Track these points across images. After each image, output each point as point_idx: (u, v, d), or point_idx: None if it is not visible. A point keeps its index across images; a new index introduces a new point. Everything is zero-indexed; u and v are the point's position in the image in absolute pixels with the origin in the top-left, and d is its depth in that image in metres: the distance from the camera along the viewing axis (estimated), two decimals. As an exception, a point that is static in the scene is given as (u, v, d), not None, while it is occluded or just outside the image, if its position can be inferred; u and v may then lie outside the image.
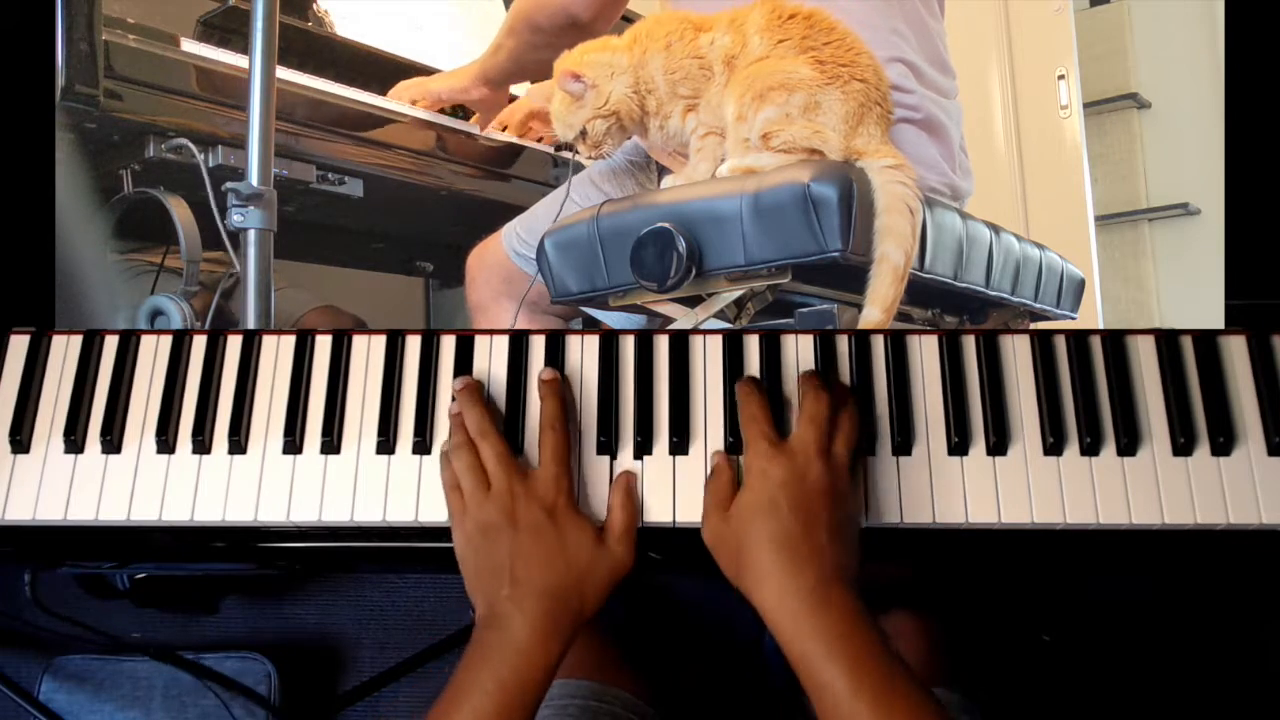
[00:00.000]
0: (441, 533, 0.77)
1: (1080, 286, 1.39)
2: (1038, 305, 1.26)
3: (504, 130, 1.43)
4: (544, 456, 0.76)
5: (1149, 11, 2.64)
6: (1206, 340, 0.82)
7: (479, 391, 0.80)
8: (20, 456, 0.81)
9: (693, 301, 1.03)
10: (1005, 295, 1.17)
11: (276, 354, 0.84)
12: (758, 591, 0.69)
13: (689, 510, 0.78)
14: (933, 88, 1.15)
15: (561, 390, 0.80)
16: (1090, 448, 0.79)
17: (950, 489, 0.79)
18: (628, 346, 0.83)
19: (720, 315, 1.02)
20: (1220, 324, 0.84)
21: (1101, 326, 1.67)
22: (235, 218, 0.97)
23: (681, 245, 0.96)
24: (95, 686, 1.27)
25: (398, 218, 1.47)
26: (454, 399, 0.80)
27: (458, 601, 1.37)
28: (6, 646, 1.31)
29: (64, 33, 0.95)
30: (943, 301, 1.19)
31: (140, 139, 1.05)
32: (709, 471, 0.78)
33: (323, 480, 0.80)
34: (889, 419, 0.80)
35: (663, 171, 1.17)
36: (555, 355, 0.83)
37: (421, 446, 0.80)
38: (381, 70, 1.38)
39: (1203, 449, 0.79)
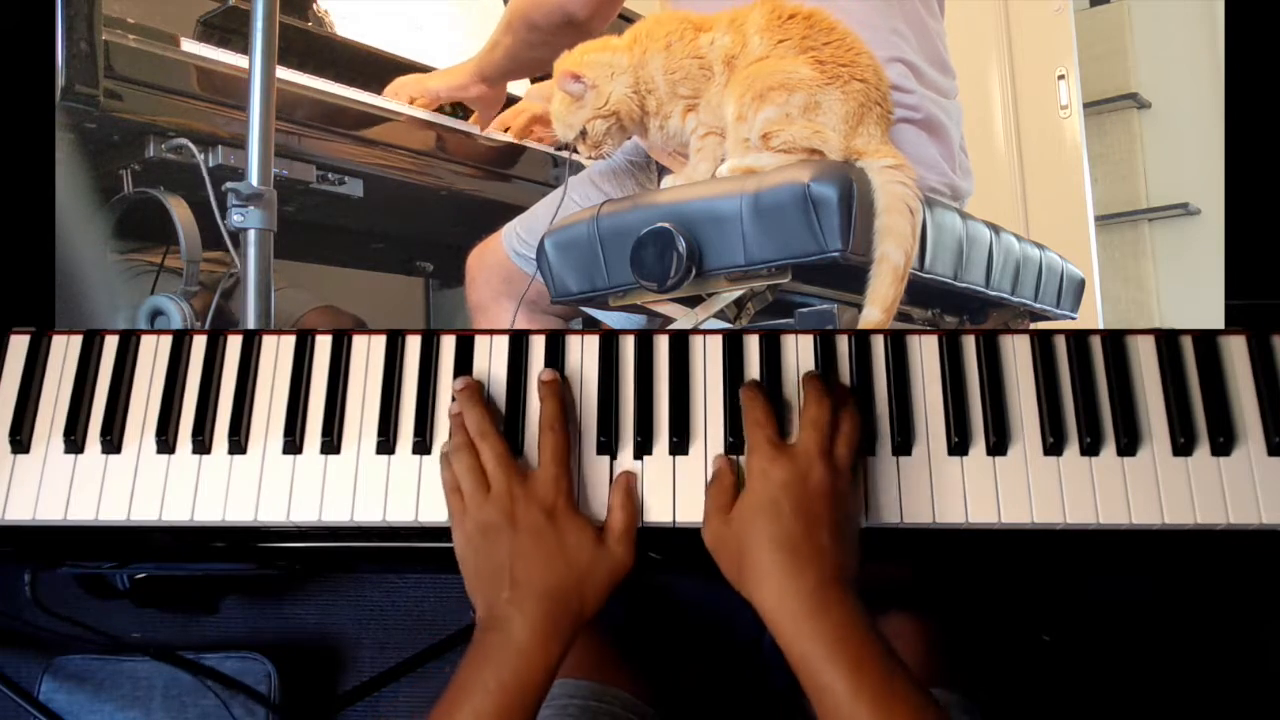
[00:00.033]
0: (441, 533, 0.77)
1: (1080, 286, 1.39)
2: (1038, 305, 1.26)
3: (506, 132, 1.43)
4: (543, 458, 0.76)
5: (1149, 11, 2.64)
6: (1206, 340, 0.82)
7: (479, 392, 0.80)
8: (20, 456, 0.81)
9: (693, 301, 1.03)
10: (1005, 295, 1.17)
11: (276, 354, 0.84)
12: (758, 593, 0.69)
13: (689, 510, 0.78)
14: (933, 88, 1.15)
15: (561, 391, 0.80)
16: (1090, 448, 0.79)
17: (950, 489, 0.79)
18: (628, 346, 0.83)
19: (720, 315, 1.02)
20: (1220, 324, 0.84)
21: (1101, 326, 1.67)
22: (235, 218, 0.97)
23: (681, 245, 0.96)
24: (95, 686, 1.27)
25: (398, 218, 1.47)
26: (454, 399, 0.80)
27: (458, 601, 1.37)
28: (6, 646, 1.31)
29: (64, 33, 0.95)
30: (943, 301, 1.19)
31: (140, 139, 1.05)
32: (710, 474, 0.78)
33: (323, 480, 0.80)
34: (889, 419, 0.80)
35: (663, 171, 1.17)
36: (555, 355, 0.83)
37: (421, 446, 0.80)
38: (381, 70, 1.38)
39: (1203, 449, 0.79)
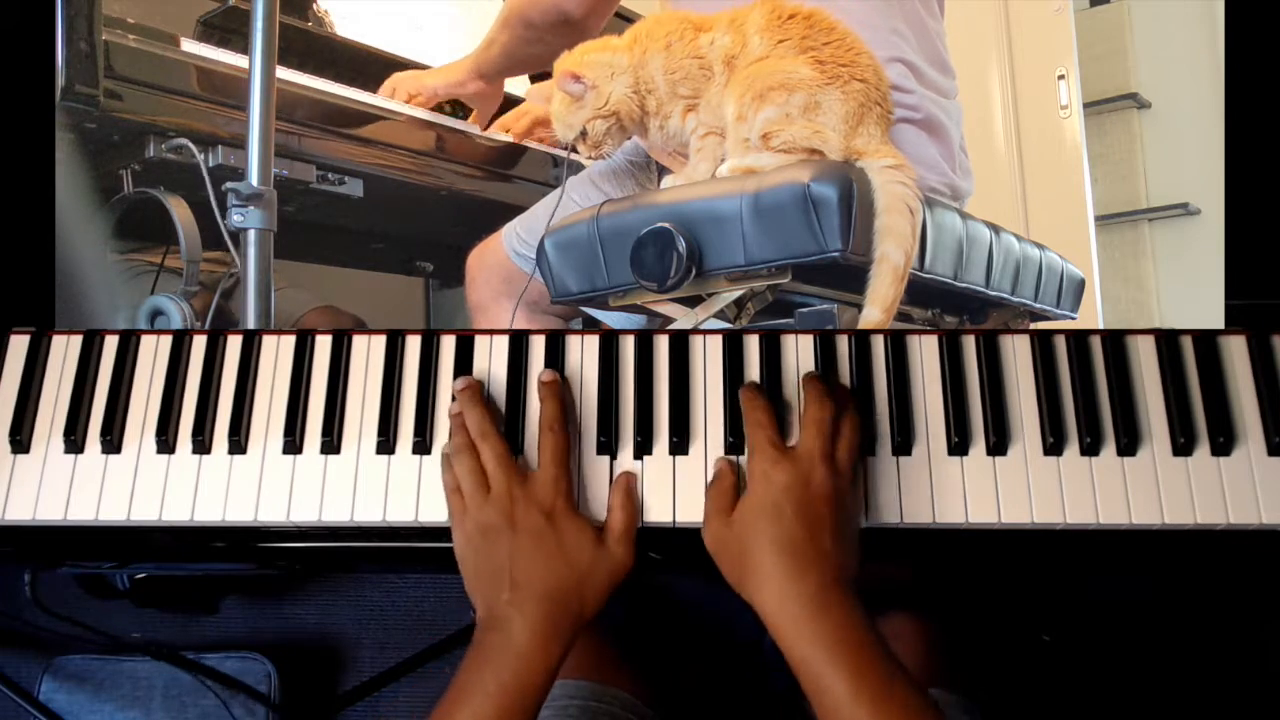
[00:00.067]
0: (441, 533, 0.77)
1: (1080, 286, 1.39)
2: (1038, 305, 1.26)
3: (507, 134, 1.43)
4: (543, 458, 0.76)
5: (1149, 11, 2.64)
6: (1206, 340, 0.82)
7: (480, 392, 0.80)
8: (20, 456, 0.81)
9: (693, 301, 1.03)
10: (1005, 295, 1.17)
11: (276, 354, 0.84)
12: (759, 595, 0.69)
13: (689, 510, 0.78)
14: (933, 88, 1.15)
15: (561, 392, 0.80)
16: (1090, 448, 0.79)
17: (950, 489, 0.79)
18: (628, 346, 0.83)
19: (720, 315, 1.02)
20: (1220, 324, 0.84)
21: (1101, 326, 1.67)
22: (235, 218, 0.97)
23: (681, 245, 0.96)
24: (95, 686, 1.27)
25: (398, 218, 1.47)
26: (454, 399, 0.80)
27: (458, 601, 1.37)
28: (6, 646, 1.31)
29: (64, 33, 0.95)
30: (943, 301, 1.19)
31: (140, 139, 1.05)
32: (710, 475, 0.78)
33: (323, 480, 0.80)
34: (889, 419, 0.80)
35: (663, 171, 1.17)
36: (555, 355, 0.83)
37: (421, 446, 0.80)
38: (382, 70, 1.38)
39: (1203, 449, 0.79)
